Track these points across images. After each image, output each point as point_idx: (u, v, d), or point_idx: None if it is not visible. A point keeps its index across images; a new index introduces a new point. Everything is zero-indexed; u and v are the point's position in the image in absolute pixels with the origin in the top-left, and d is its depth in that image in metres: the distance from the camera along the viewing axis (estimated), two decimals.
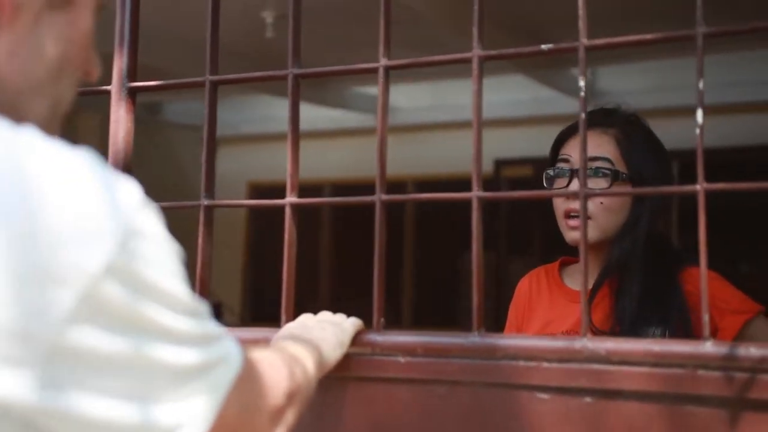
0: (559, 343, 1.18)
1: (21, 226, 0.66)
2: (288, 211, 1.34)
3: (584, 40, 1.18)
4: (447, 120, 6.51)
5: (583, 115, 1.19)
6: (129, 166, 1.44)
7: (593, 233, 1.68)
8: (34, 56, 0.77)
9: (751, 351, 1.07)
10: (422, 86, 6.45)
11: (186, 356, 0.74)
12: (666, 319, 1.64)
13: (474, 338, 1.21)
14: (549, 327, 1.78)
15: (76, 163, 0.70)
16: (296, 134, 1.36)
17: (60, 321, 0.65)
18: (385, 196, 1.28)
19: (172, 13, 4.36)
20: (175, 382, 0.73)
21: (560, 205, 1.73)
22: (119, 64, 1.45)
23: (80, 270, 0.66)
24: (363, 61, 1.36)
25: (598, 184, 1.70)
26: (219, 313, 6.15)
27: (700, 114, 1.09)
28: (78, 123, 6.27)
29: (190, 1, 4.13)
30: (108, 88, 1.45)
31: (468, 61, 1.24)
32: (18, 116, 0.75)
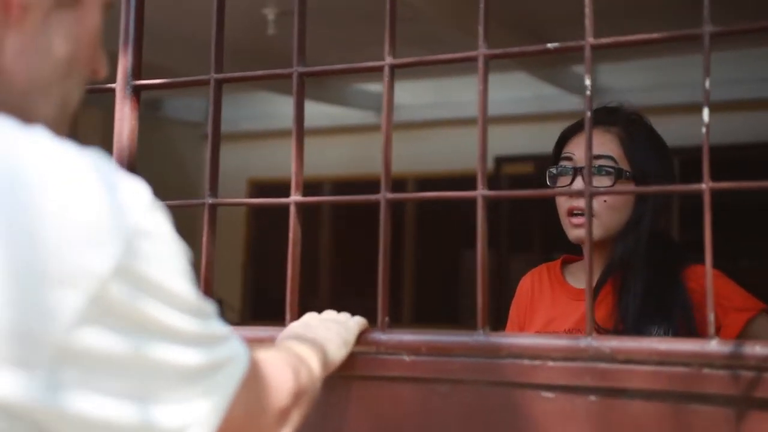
0: (563, 342, 1.18)
1: (28, 228, 0.66)
2: (293, 209, 1.34)
3: (590, 39, 1.18)
4: (448, 117, 6.50)
5: (588, 114, 1.19)
6: (134, 164, 1.44)
7: (597, 231, 1.68)
8: (42, 56, 0.76)
9: (756, 349, 1.07)
10: (423, 83, 6.44)
11: (193, 357, 0.74)
12: (669, 316, 1.64)
13: (479, 337, 1.21)
14: (551, 325, 1.78)
15: (84, 163, 0.70)
16: (300, 132, 1.36)
17: (68, 323, 0.65)
18: (390, 195, 1.27)
19: (174, 11, 4.35)
20: (182, 382, 0.73)
21: (563, 204, 1.74)
22: (124, 62, 1.45)
23: (88, 271, 0.66)
24: (365, 59, 1.36)
25: (601, 182, 1.70)
26: (219, 311, 6.14)
27: (706, 113, 1.09)
28: (80, 119, 6.26)
29: None
30: (113, 86, 1.45)
31: (473, 59, 1.24)
32: (26, 116, 0.74)
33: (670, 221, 2.58)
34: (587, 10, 1.17)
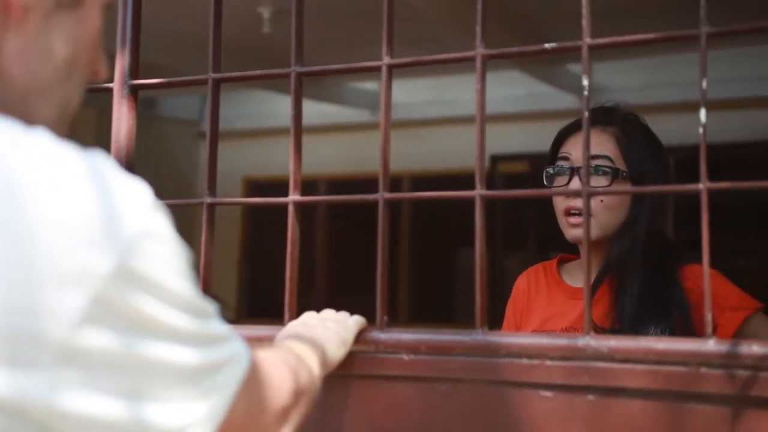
0: (562, 341, 1.19)
1: (30, 229, 0.66)
2: (291, 209, 1.34)
3: (588, 39, 1.18)
4: (444, 116, 6.51)
5: (586, 114, 1.19)
6: (131, 163, 1.44)
7: (594, 231, 1.68)
8: (43, 57, 0.76)
9: (753, 349, 1.07)
10: (419, 82, 6.44)
11: (194, 357, 0.74)
12: (666, 316, 1.65)
13: (477, 336, 1.22)
14: (548, 324, 1.78)
15: (85, 165, 0.70)
16: (299, 132, 1.36)
17: (70, 323, 0.66)
18: (388, 195, 1.28)
19: (171, 10, 4.35)
20: (182, 382, 0.73)
21: (560, 203, 1.74)
22: (121, 62, 1.45)
23: (90, 272, 0.66)
24: (363, 58, 1.36)
25: (598, 182, 1.71)
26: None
27: (703, 114, 1.10)
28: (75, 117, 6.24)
29: None
30: (110, 85, 1.45)
31: (471, 59, 1.24)
32: (26, 118, 0.74)
33: (665, 221, 2.59)
34: (584, 11, 1.18)
